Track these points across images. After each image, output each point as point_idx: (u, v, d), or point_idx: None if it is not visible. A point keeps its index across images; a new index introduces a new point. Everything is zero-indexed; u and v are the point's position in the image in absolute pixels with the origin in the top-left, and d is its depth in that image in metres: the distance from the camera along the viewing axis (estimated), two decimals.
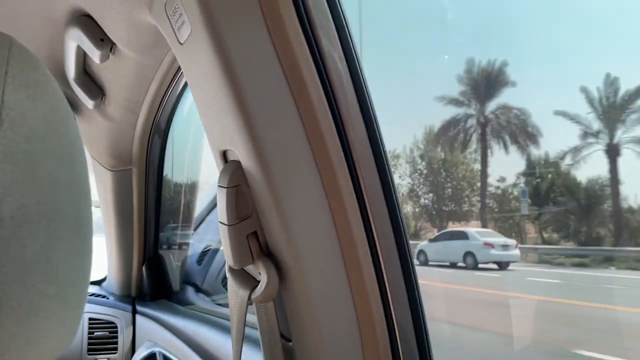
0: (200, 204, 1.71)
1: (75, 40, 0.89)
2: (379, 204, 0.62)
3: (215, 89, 0.59)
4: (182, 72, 0.97)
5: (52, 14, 0.88)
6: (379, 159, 0.62)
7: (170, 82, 1.01)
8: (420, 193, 18.23)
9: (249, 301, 0.61)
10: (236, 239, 0.60)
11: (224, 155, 0.65)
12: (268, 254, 0.62)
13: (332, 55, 0.60)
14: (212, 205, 1.63)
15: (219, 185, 0.62)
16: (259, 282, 0.61)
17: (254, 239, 0.61)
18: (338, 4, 0.61)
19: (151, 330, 1.44)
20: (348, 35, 0.61)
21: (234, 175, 0.60)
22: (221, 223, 0.62)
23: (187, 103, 1.22)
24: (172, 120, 1.23)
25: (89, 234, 0.35)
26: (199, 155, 1.65)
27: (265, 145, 0.57)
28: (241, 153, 0.59)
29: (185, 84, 1.05)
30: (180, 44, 0.62)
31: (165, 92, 1.05)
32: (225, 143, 0.62)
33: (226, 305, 1.44)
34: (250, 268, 0.63)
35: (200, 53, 0.58)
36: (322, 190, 0.60)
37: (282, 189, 0.57)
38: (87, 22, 0.85)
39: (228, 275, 0.65)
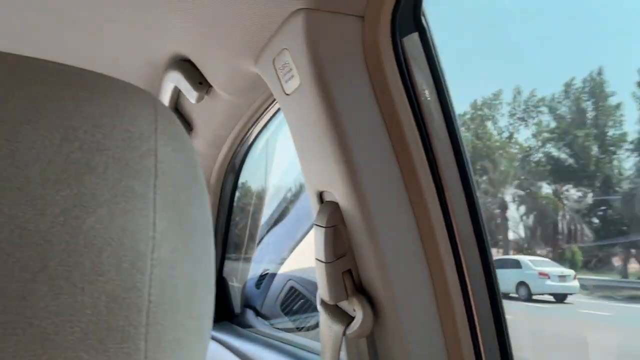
0: (261, 230, 1.79)
1: (173, 82, 0.97)
2: (470, 246, 0.64)
3: (319, 135, 0.64)
4: (267, 111, 1.04)
5: (153, 57, 0.96)
6: (471, 201, 0.65)
7: (256, 120, 1.08)
8: None
9: (344, 336, 0.64)
10: (332, 276, 0.65)
11: (321, 196, 0.70)
12: (362, 291, 0.65)
13: (429, 106, 0.64)
14: (267, 229, 1.74)
15: (316, 225, 0.67)
16: (352, 317, 0.65)
17: (348, 276, 0.65)
18: (435, 58, 0.65)
19: (215, 351, 1.49)
20: (444, 86, 0.65)
21: (332, 216, 0.65)
22: (318, 260, 0.67)
23: (262, 143, 1.31)
24: (247, 156, 1.31)
25: (214, 271, 0.40)
26: (265, 189, 1.80)
27: (363, 188, 0.61)
28: (340, 194, 0.64)
29: (266, 124, 1.13)
30: (287, 94, 0.69)
31: (249, 130, 1.12)
32: (323, 185, 0.67)
33: (286, 330, 1.48)
34: (343, 304, 0.67)
35: (307, 103, 0.64)
36: (417, 230, 0.63)
37: (378, 230, 0.61)
38: (187, 67, 0.92)
39: (320, 309, 0.69)
